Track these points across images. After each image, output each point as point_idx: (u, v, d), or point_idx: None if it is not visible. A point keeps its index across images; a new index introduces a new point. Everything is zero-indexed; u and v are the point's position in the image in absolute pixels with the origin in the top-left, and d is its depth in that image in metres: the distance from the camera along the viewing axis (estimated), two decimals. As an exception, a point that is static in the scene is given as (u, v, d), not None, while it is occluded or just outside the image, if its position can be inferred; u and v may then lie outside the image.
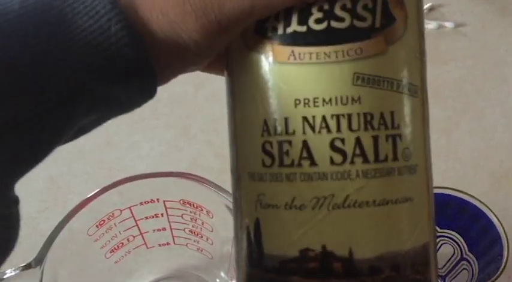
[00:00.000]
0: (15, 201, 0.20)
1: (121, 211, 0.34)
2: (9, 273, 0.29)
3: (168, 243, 0.38)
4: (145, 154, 0.47)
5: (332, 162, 0.17)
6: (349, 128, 0.17)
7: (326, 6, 0.17)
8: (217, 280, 0.38)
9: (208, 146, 0.49)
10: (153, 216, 0.36)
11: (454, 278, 0.37)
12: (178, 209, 0.35)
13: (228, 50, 0.20)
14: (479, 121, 0.52)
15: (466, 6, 0.61)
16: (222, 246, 0.36)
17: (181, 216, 0.36)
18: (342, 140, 0.17)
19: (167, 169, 0.42)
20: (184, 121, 0.50)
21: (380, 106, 0.18)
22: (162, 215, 0.36)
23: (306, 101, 0.17)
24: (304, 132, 0.17)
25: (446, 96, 0.54)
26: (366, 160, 0.17)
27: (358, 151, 0.17)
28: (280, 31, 0.18)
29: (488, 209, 0.33)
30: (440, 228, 0.37)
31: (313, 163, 0.17)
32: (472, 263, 0.35)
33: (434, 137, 0.54)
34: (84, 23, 0.17)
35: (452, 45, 0.58)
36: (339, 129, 0.17)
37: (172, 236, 0.37)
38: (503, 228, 0.32)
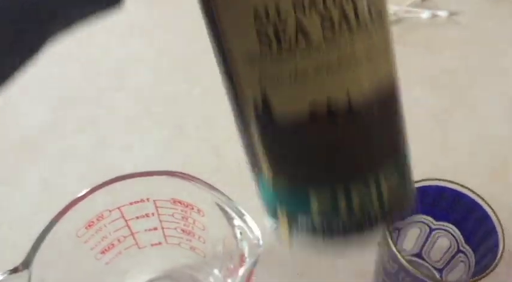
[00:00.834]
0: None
1: (110, 212, 0.34)
2: (-4, 277, 0.28)
3: (160, 243, 0.37)
4: (139, 154, 0.47)
5: (324, 36, 0.19)
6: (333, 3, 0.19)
7: None
8: (211, 279, 0.38)
9: (202, 144, 0.48)
10: (143, 216, 0.35)
11: (451, 270, 0.37)
12: (169, 208, 0.35)
13: None
14: (475, 111, 0.51)
15: (459, -6, 0.61)
16: (215, 245, 0.35)
17: (173, 215, 0.35)
18: (330, 17, 0.19)
19: (161, 169, 0.41)
20: (177, 120, 0.50)
21: None
22: (152, 214, 0.35)
23: None
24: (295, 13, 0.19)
25: (441, 86, 0.53)
26: (350, 29, 0.20)
27: (344, 22, 0.19)
28: None
29: (483, 200, 0.32)
30: (436, 221, 0.36)
31: (307, 39, 0.19)
32: (468, 255, 0.35)
33: (429, 127, 0.53)
34: None
35: (447, 34, 0.58)
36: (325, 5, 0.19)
37: (164, 236, 0.37)
38: (498, 219, 0.31)
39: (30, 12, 0.20)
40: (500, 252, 0.30)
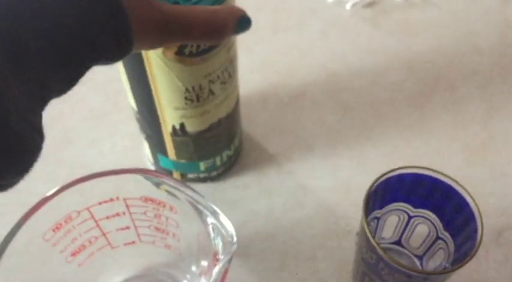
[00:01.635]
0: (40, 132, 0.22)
1: (78, 213, 0.32)
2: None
3: (133, 242, 0.36)
4: (108, 150, 0.45)
5: (220, 89, 0.36)
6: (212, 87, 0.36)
7: None
8: (188, 276, 0.37)
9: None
10: (114, 215, 0.34)
11: (431, 257, 0.36)
12: (140, 206, 0.34)
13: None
14: (452, 93, 0.51)
15: (433, -25, 0.60)
16: (190, 241, 0.34)
17: (145, 214, 0.34)
18: (224, 80, 0.36)
19: (132, 165, 0.40)
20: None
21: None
22: (124, 213, 0.34)
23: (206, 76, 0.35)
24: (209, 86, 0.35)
25: (417, 69, 0.52)
26: (230, 82, 0.37)
27: (228, 79, 0.36)
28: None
29: (461, 186, 0.32)
30: (415, 208, 0.36)
31: (213, 95, 0.36)
32: (448, 241, 0.34)
33: (406, 112, 0.53)
34: None
35: (422, 16, 0.57)
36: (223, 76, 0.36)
37: (138, 234, 0.36)
38: (476, 205, 0.31)
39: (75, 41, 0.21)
40: (479, 238, 0.30)
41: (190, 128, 0.37)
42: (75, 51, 0.22)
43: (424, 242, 0.37)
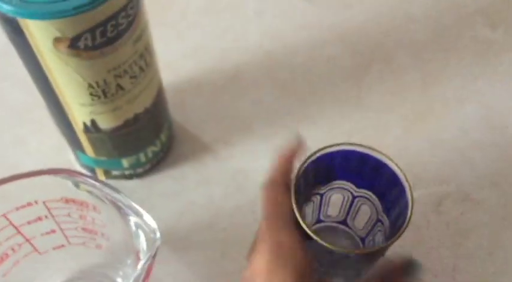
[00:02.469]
0: None
1: (-6, 221, 0.30)
2: None
3: (63, 245, 0.35)
4: (34, 149, 0.43)
5: (131, 83, 0.34)
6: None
7: None
8: (120, 272, 0.36)
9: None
10: (36, 220, 0.32)
11: (372, 239, 0.36)
12: (62, 208, 0.32)
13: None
14: (389, 64, 0.50)
15: None
16: (118, 240, 0.33)
17: (69, 215, 0.32)
18: (134, 73, 0.34)
19: (62, 164, 0.38)
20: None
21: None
22: (46, 217, 0.32)
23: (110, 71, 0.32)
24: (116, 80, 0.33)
25: (353, 42, 0.52)
26: (143, 75, 0.35)
27: (139, 73, 0.34)
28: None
29: (390, 160, 0.31)
30: (358, 188, 0.35)
31: (122, 89, 0.34)
32: (385, 224, 0.33)
33: (344, 86, 0.52)
34: None
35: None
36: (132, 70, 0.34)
37: (66, 237, 0.34)
38: (404, 176, 0.30)
39: None
40: (409, 214, 0.29)
41: (102, 124, 0.35)
42: None
43: (366, 223, 0.36)
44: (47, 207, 0.32)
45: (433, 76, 0.49)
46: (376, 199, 0.34)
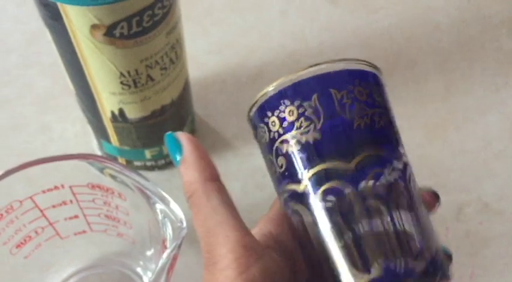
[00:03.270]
0: None
1: (21, 202, 0.31)
2: None
3: (84, 231, 0.35)
4: (58, 136, 0.43)
5: (161, 75, 0.35)
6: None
7: None
8: (141, 262, 0.36)
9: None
10: (61, 204, 0.32)
11: None
12: (88, 193, 0.32)
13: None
14: (412, 70, 0.50)
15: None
16: (141, 228, 0.33)
17: (93, 201, 0.33)
18: (164, 65, 0.34)
19: (82, 151, 0.38)
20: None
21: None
22: (71, 201, 0.32)
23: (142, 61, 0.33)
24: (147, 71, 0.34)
25: (377, 47, 0.52)
26: (173, 67, 0.35)
27: (170, 65, 0.35)
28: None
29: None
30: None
31: (152, 80, 0.34)
32: None
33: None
34: None
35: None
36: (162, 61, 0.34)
37: (88, 223, 0.34)
38: None
39: None
40: None
41: (130, 114, 0.36)
42: None
43: None
44: (72, 192, 0.32)
45: (455, 85, 0.49)
46: None
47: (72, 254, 0.36)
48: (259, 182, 0.42)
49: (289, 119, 0.25)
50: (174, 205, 0.28)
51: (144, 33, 0.31)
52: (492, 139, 0.45)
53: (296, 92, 0.25)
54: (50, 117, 0.44)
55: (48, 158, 0.31)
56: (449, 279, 0.24)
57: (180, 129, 0.41)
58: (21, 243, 0.33)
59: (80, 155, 0.31)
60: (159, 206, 0.28)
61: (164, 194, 0.28)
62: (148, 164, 0.42)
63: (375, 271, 0.23)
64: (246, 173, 0.43)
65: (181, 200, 0.41)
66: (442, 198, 0.42)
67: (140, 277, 0.36)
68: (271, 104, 0.25)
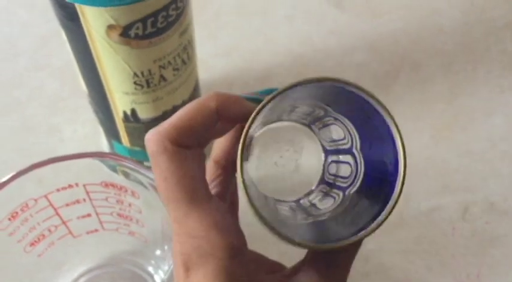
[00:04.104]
0: None
1: (36, 200, 0.31)
2: None
3: (96, 230, 0.35)
4: (68, 137, 0.44)
5: (173, 75, 0.35)
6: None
7: None
8: (152, 261, 0.36)
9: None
10: (74, 203, 0.33)
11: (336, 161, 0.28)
12: (101, 192, 0.33)
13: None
14: (417, 73, 0.51)
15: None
16: (153, 227, 0.34)
17: (106, 200, 0.33)
18: (176, 66, 0.35)
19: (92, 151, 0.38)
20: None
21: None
22: (84, 200, 0.33)
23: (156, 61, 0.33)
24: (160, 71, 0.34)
25: (382, 50, 0.52)
26: (185, 68, 0.36)
27: (182, 65, 0.35)
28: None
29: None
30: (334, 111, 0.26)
31: (165, 81, 0.35)
32: (358, 161, 0.26)
33: (373, 93, 0.52)
34: None
35: (386, -3, 0.57)
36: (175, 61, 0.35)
37: (100, 222, 0.35)
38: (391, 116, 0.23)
39: None
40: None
41: (142, 114, 0.36)
42: None
43: (333, 140, 0.28)
44: (86, 190, 0.32)
45: (460, 87, 0.50)
46: (353, 127, 0.26)
47: (84, 253, 0.37)
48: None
49: None
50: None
51: (158, 33, 0.31)
52: (497, 140, 0.46)
53: None
54: (59, 119, 0.45)
55: (62, 157, 0.31)
56: None
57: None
58: (35, 241, 0.33)
59: (95, 153, 0.32)
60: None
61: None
62: None
63: None
64: (254, 174, 0.43)
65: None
66: (448, 198, 0.43)
67: (151, 276, 0.36)
68: None
